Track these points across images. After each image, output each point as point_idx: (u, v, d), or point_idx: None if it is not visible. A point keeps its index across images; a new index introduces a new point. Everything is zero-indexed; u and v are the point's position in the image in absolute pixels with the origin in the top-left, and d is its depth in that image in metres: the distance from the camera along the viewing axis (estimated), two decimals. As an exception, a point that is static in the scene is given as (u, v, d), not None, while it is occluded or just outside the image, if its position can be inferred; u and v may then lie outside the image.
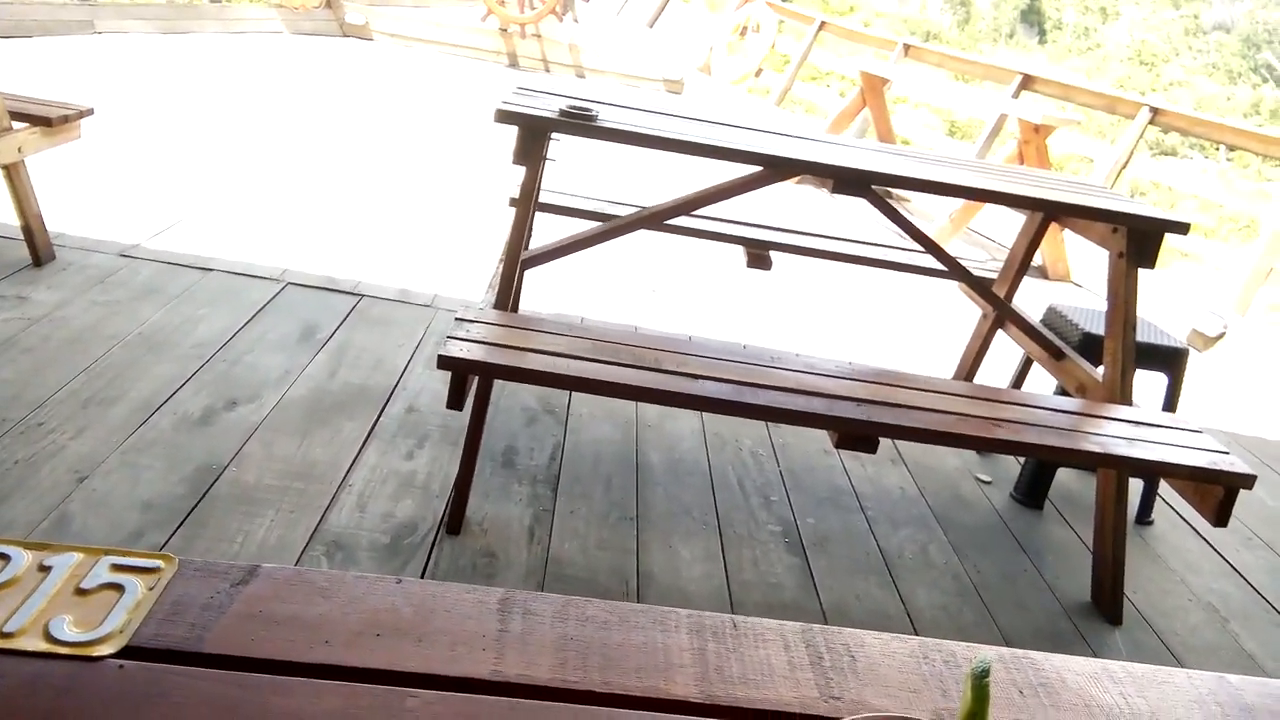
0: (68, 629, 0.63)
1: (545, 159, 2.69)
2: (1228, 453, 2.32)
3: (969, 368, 3.28)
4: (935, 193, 2.59)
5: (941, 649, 0.76)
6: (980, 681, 0.38)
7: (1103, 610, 2.49)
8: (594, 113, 2.48)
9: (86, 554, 0.71)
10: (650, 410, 3.08)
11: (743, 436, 3.05)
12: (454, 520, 2.35)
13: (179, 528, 2.13)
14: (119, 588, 0.68)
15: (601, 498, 2.59)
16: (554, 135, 2.80)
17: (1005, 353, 3.38)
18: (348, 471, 2.46)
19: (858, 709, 0.65)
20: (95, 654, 0.62)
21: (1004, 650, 0.77)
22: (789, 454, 2.99)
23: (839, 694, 0.68)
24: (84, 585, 0.68)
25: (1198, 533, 3.03)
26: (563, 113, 2.45)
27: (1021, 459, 3.10)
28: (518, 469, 2.64)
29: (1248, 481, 2.25)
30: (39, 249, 3.26)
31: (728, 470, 2.84)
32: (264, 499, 2.30)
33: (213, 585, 0.69)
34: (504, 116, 2.39)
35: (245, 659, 0.63)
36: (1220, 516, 2.30)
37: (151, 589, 0.68)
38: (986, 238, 6.22)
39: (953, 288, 3.37)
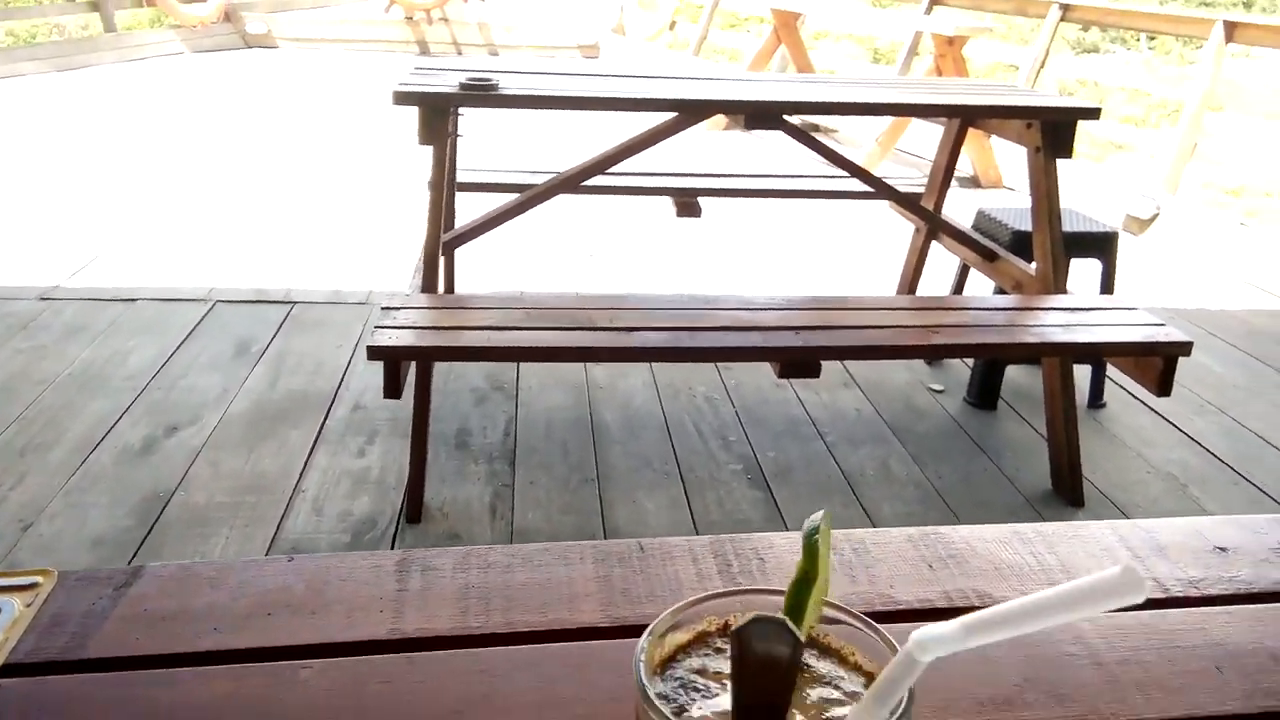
0: (-59, 657, 0.61)
1: (454, 136, 2.65)
2: (1163, 324, 2.35)
3: (910, 283, 3.30)
4: (846, 114, 2.58)
5: (850, 538, 0.75)
6: (809, 540, 0.37)
7: (1064, 495, 2.53)
8: (494, 82, 2.43)
9: (-39, 581, 0.68)
10: (599, 371, 3.07)
11: (694, 383, 3.04)
12: (413, 509, 2.33)
13: (132, 559, 2.09)
14: (-5, 609, 0.65)
15: (560, 464, 2.58)
16: (460, 111, 2.75)
17: (945, 264, 3.40)
18: (299, 478, 2.43)
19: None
20: (-29, 677, 0.60)
21: (912, 530, 0.77)
22: (742, 393, 2.99)
23: (747, 597, 0.67)
24: (-42, 612, 0.65)
25: (1150, 409, 3.08)
26: (463, 86, 2.40)
27: (970, 363, 3.12)
28: (472, 449, 2.62)
29: (1184, 349, 2.28)
30: (-47, 304, 3.17)
31: (683, 418, 2.84)
32: (217, 518, 2.26)
33: (95, 592, 0.67)
34: (402, 98, 2.34)
35: (130, 658, 0.61)
36: (1163, 386, 2.33)
37: (29, 605, 0.66)
38: (917, 156, 6.24)
39: (886, 208, 3.37)
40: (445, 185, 2.62)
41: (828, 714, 0.36)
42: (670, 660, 0.39)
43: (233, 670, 0.60)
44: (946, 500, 2.49)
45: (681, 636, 0.40)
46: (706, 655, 0.39)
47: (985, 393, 2.99)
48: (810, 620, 0.39)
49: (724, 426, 2.81)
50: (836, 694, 0.37)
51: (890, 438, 2.79)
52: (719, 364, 3.09)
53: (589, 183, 2.85)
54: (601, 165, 2.67)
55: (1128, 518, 2.55)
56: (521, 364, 3.05)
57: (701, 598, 0.39)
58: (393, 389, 2.11)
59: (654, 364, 3.09)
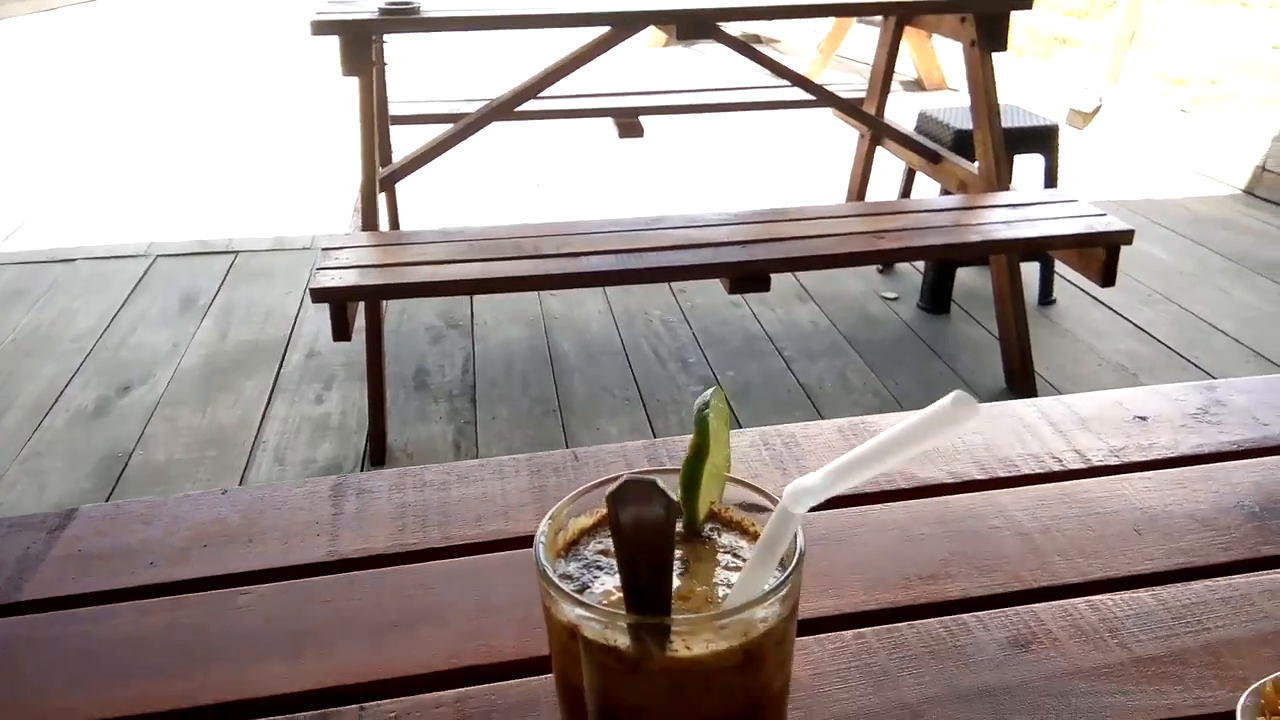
0: (-126, 613, 0.61)
1: (379, 64, 2.58)
2: (1104, 214, 2.38)
3: (857, 190, 3.30)
4: (777, 17, 2.55)
5: (781, 433, 0.77)
6: (700, 416, 0.38)
7: (1017, 392, 2.59)
8: (416, 5, 2.36)
9: (-110, 539, 0.67)
10: (554, 302, 3.06)
11: (650, 307, 3.04)
12: (376, 451, 2.34)
13: (94, 520, 2.08)
14: (-73, 563, 0.65)
15: (521, 397, 2.58)
16: (385, 39, 2.68)
17: (892, 169, 3.39)
18: (259, 428, 2.42)
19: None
20: (-94, 630, 0.60)
21: (841, 421, 0.78)
22: (698, 315, 3.00)
23: (680, 495, 0.69)
24: (-111, 568, 0.65)
25: (1099, 301, 3.13)
26: (383, 11, 2.33)
27: (921, 268, 3.15)
28: (431, 388, 2.62)
29: (1125, 237, 2.31)
30: (-118, 278, 3.07)
31: (641, 343, 2.85)
32: (178, 474, 2.25)
33: (28, 537, 0.67)
34: (320, 27, 2.28)
35: (66, 598, 0.61)
36: (1107, 277, 2.37)
37: (-39, 556, 0.65)
38: (861, 63, 6.18)
39: (830, 116, 3.35)
40: (377, 118, 2.56)
41: (727, 579, 0.37)
42: (574, 544, 0.40)
43: (170, 601, 0.61)
44: (904, 406, 2.53)
45: (585, 521, 0.41)
46: (610, 536, 0.40)
47: (937, 297, 3.02)
48: (710, 495, 0.40)
49: (682, 349, 2.82)
50: (737, 561, 0.38)
51: (847, 348, 2.82)
52: (674, 286, 3.09)
53: (529, 108, 2.80)
54: (538, 86, 2.62)
55: (1077, 406, 2.59)
56: (475, 300, 3.03)
57: (600, 481, 0.40)
58: (341, 331, 2.09)
59: (608, 290, 3.08)
